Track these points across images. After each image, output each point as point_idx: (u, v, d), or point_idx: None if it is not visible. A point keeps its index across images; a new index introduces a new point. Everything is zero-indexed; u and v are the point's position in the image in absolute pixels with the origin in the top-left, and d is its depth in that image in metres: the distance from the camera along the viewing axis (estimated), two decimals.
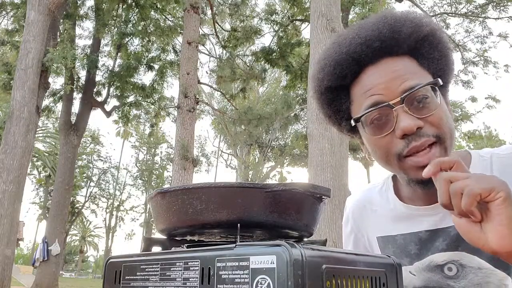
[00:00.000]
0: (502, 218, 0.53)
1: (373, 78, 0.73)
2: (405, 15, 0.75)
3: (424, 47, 0.74)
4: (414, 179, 0.71)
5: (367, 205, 0.91)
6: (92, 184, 33.10)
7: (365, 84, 0.74)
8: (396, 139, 0.70)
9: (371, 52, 0.73)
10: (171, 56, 14.27)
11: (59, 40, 12.07)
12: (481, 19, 12.20)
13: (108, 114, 14.33)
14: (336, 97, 0.79)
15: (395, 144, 0.70)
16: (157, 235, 0.64)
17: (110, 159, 33.78)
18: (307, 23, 11.81)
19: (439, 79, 0.72)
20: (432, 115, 0.70)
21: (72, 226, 35.49)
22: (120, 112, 14.45)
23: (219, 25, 13.31)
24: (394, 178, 0.89)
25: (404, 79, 0.71)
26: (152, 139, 31.65)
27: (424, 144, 0.69)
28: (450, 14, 12.51)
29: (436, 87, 0.71)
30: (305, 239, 0.61)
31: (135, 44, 14.23)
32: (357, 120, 0.74)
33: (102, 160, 32.67)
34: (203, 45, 13.64)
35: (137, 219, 36.98)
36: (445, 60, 0.76)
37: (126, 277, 0.56)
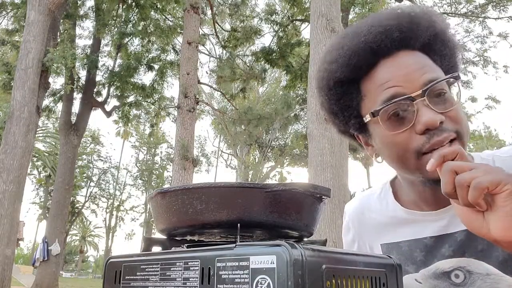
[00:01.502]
0: (507, 210, 0.53)
1: (390, 70, 0.70)
2: (422, 9, 0.74)
3: (437, 44, 0.73)
4: (432, 178, 0.67)
5: (365, 212, 0.89)
6: (92, 184, 33.15)
7: (381, 76, 0.70)
8: (416, 134, 0.67)
9: (389, 42, 0.70)
10: (171, 56, 14.29)
11: (59, 40, 12.07)
12: (481, 19, 12.20)
13: (108, 114, 14.34)
14: (346, 92, 0.75)
15: (415, 140, 0.67)
16: (157, 235, 0.64)
17: (110, 159, 33.84)
18: (307, 23, 11.81)
19: (459, 73, 0.70)
20: (451, 110, 0.67)
21: (72, 226, 35.51)
22: (120, 112, 14.46)
23: (219, 25, 13.31)
24: (392, 183, 0.87)
25: (424, 71, 0.68)
26: (152, 139, 31.67)
27: (446, 139, 0.65)
28: (450, 14, 12.51)
29: (457, 82, 0.70)
30: (305, 239, 0.61)
31: (135, 44, 14.25)
32: (374, 114, 0.69)
33: (102, 160, 32.73)
34: (203, 45, 13.65)
35: (137, 219, 37.02)
36: (454, 58, 0.75)
37: (126, 277, 0.56)
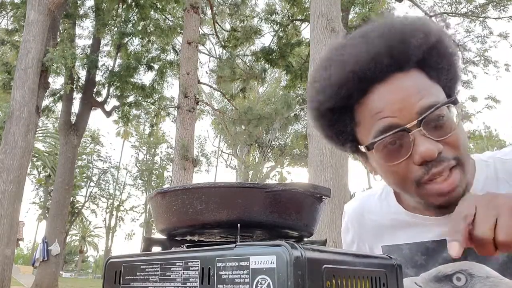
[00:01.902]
0: None
1: (383, 98, 0.66)
2: (413, 23, 0.68)
3: (433, 57, 0.68)
4: (434, 205, 0.67)
5: (365, 213, 0.88)
6: (92, 184, 33.14)
7: (374, 105, 0.66)
8: (413, 165, 0.65)
9: (380, 69, 0.65)
10: (171, 56, 14.29)
11: (59, 40, 12.07)
12: (481, 18, 12.21)
13: (108, 114, 14.33)
14: (339, 119, 0.71)
15: (413, 170, 0.65)
16: (157, 235, 0.64)
17: (110, 159, 33.83)
18: (307, 23, 11.81)
19: (456, 97, 0.67)
20: (450, 137, 0.64)
21: (72, 226, 35.52)
22: (120, 112, 14.46)
23: (219, 25, 13.31)
24: None
25: (419, 97, 0.64)
26: (152, 139, 31.67)
27: (445, 169, 0.64)
28: (450, 14, 12.51)
29: (453, 105, 0.66)
30: (305, 239, 0.61)
31: (135, 44, 14.25)
32: (369, 148, 0.67)
33: (102, 160, 32.72)
34: (203, 45, 13.66)
35: (137, 219, 37.02)
36: (453, 69, 0.71)
37: (126, 277, 0.56)
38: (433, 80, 0.68)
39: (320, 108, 0.72)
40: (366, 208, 0.88)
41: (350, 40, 0.71)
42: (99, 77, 14.05)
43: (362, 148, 0.70)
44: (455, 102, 0.66)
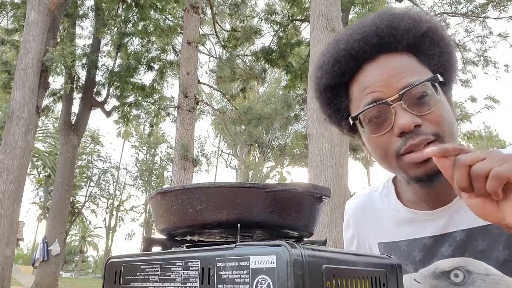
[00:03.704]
0: None
1: (371, 75, 0.72)
2: (404, 12, 0.74)
3: (424, 44, 0.73)
4: (413, 177, 0.70)
5: (367, 209, 0.89)
6: (92, 184, 33.13)
7: (363, 81, 0.73)
8: (394, 137, 0.69)
9: (369, 48, 0.72)
10: (171, 56, 14.29)
11: (58, 40, 12.07)
12: (481, 18, 12.20)
13: (108, 114, 14.33)
14: (335, 96, 0.78)
15: (393, 142, 0.69)
16: (157, 235, 0.64)
17: (110, 159, 33.82)
18: (307, 23, 11.81)
19: (438, 75, 0.70)
20: (431, 113, 0.68)
21: (72, 226, 35.52)
22: (120, 112, 14.46)
23: (219, 25, 13.31)
24: (394, 181, 0.87)
25: (403, 76, 0.69)
26: (152, 139, 31.66)
27: (421, 143, 0.67)
28: (450, 14, 12.51)
29: (436, 84, 0.70)
30: (305, 239, 0.61)
31: (135, 44, 14.25)
32: (355, 118, 0.73)
33: (102, 160, 32.70)
34: (203, 45, 13.65)
35: (137, 219, 37.02)
36: (446, 57, 0.75)
37: (126, 277, 0.56)
38: (423, 65, 0.73)
39: (319, 84, 0.79)
40: (367, 204, 0.90)
41: (347, 27, 0.79)
42: (99, 77, 14.07)
43: (350, 120, 0.75)
44: (435, 80, 0.70)
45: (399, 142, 0.69)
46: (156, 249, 0.63)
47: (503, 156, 0.53)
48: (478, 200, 0.55)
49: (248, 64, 13.00)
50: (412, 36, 0.72)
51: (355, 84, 0.75)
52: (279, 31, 12.35)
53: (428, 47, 0.73)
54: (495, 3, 11.56)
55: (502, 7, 11.47)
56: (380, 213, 0.86)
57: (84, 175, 30.89)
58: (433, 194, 0.75)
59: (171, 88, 28.79)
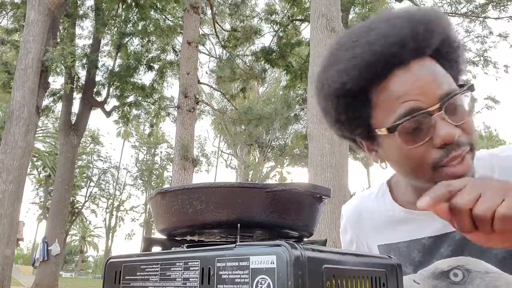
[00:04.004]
0: None
1: (405, 82, 0.67)
2: (435, 14, 0.71)
3: (445, 48, 0.71)
4: None
5: (363, 212, 0.89)
6: (92, 184, 33.13)
7: (397, 89, 0.67)
8: (433, 148, 0.66)
9: (405, 53, 0.67)
10: (171, 56, 14.30)
11: (58, 39, 12.07)
12: (481, 18, 12.21)
13: (108, 114, 14.33)
14: (354, 102, 0.71)
15: (432, 153, 0.66)
16: (157, 235, 0.64)
17: (110, 159, 33.83)
18: (307, 23, 11.81)
19: (473, 83, 0.69)
20: (465, 123, 0.66)
21: (72, 226, 35.52)
22: (120, 112, 14.46)
23: (219, 25, 13.31)
24: (389, 183, 0.87)
25: (439, 83, 0.66)
26: (152, 139, 31.67)
27: (462, 154, 0.65)
28: (450, 14, 12.50)
29: (470, 92, 0.68)
30: (305, 239, 0.61)
31: (135, 44, 14.25)
32: (391, 130, 0.67)
33: (102, 160, 32.71)
34: (203, 45, 13.64)
35: (137, 219, 37.02)
36: (461, 60, 0.73)
37: (126, 277, 0.56)
38: (445, 69, 0.71)
39: (339, 89, 0.71)
40: (363, 208, 0.89)
41: (374, 24, 0.72)
42: (99, 77, 14.07)
43: (382, 131, 0.69)
44: (472, 89, 0.68)
45: (439, 154, 0.66)
46: (156, 249, 0.63)
47: (497, 188, 0.51)
48: (483, 234, 0.53)
49: (248, 64, 13.01)
50: (439, 41, 0.69)
51: (382, 90, 0.69)
52: (279, 31, 12.35)
53: (448, 51, 0.71)
54: (495, 3, 11.56)
55: (502, 7, 11.47)
56: (376, 215, 0.85)
57: (84, 175, 30.90)
58: None
59: (171, 88, 28.78)
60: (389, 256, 0.55)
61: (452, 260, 0.74)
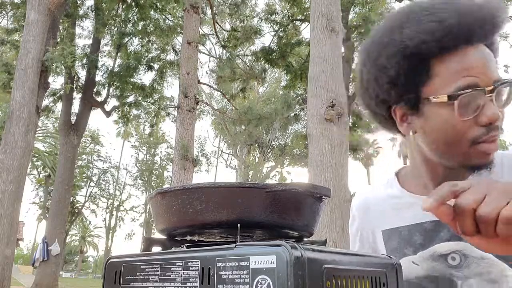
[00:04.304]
0: None
1: (471, 59, 0.72)
2: (501, 3, 0.75)
3: (494, 36, 0.77)
4: (477, 165, 0.73)
5: (370, 202, 0.92)
6: (92, 184, 33.13)
7: (461, 62, 0.72)
8: (476, 125, 0.71)
9: (478, 33, 0.72)
10: (171, 56, 14.30)
11: (58, 39, 12.07)
12: None
13: (108, 114, 14.34)
14: (419, 65, 0.73)
15: (475, 129, 0.71)
16: (157, 235, 0.64)
17: (110, 159, 33.81)
18: (307, 23, 11.81)
19: None
20: (503, 109, 0.72)
21: (72, 226, 35.52)
22: (120, 112, 14.46)
23: (219, 25, 13.31)
24: (397, 174, 0.91)
25: (494, 68, 0.73)
26: (152, 139, 31.67)
27: (498, 135, 0.72)
28: None
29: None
30: (305, 239, 0.61)
31: (135, 44, 14.25)
32: (451, 98, 0.70)
33: (102, 160, 32.70)
34: (203, 45, 13.64)
35: (137, 219, 37.03)
36: (498, 52, 0.79)
37: (126, 277, 0.56)
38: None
39: (414, 49, 0.72)
40: (371, 197, 0.93)
41: None
42: (99, 77, 14.07)
43: (441, 98, 0.72)
44: None
45: (481, 131, 0.70)
46: (156, 249, 0.63)
47: (503, 190, 0.51)
48: (484, 239, 0.52)
49: (248, 64, 13.01)
50: (498, 29, 0.75)
51: (446, 61, 0.72)
52: (279, 31, 12.35)
53: (495, 39, 0.77)
54: None
55: None
56: (384, 202, 0.89)
57: (84, 175, 30.89)
58: (453, 178, 0.73)
59: (171, 88, 28.80)
60: (389, 256, 0.55)
61: (451, 244, 0.77)
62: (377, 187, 0.94)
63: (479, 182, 0.54)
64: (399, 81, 0.75)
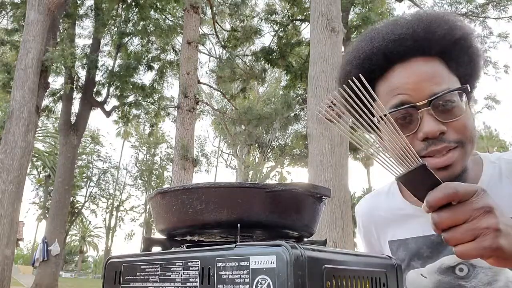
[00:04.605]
0: None
1: (401, 77, 0.73)
2: (441, 17, 0.75)
3: (455, 51, 0.74)
4: (441, 178, 0.71)
5: (374, 211, 0.92)
6: (92, 184, 33.11)
7: (392, 82, 0.74)
8: (417, 140, 0.71)
9: (403, 50, 0.73)
10: (171, 56, 14.28)
11: (58, 39, 12.07)
12: (481, 18, 12.20)
13: (108, 114, 14.33)
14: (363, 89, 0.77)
15: (415, 145, 0.70)
16: (157, 235, 0.64)
17: (110, 159, 33.79)
18: (307, 23, 11.81)
19: (468, 85, 0.72)
20: (456, 121, 0.70)
21: (72, 226, 35.50)
22: (120, 112, 14.45)
23: (219, 25, 13.31)
24: (398, 181, 0.90)
25: (433, 82, 0.71)
26: (152, 139, 31.65)
27: (443, 150, 0.69)
28: None
29: (464, 93, 0.71)
30: (305, 239, 0.61)
31: (135, 43, 14.24)
32: (381, 118, 0.72)
33: (102, 160, 32.68)
34: (203, 45, 13.64)
35: (137, 219, 37.00)
36: (473, 65, 0.76)
37: (126, 277, 0.56)
38: (451, 71, 0.74)
39: (346, 78, 0.77)
40: (373, 206, 0.93)
41: (382, 25, 0.79)
42: (99, 77, 14.06)
43: (374, 119, 0.74)
44: (465, 90, 0.71)
45: (420, 146, 0.70)
46: (156, 249, 0.63)
47: (491, 222, 0.50)
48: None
49: (248, 64, 13.00)
50: (446, 43, 0.73)
51: (382, 82, 0.76)
52: (279, 31, 12.35)
53: (458, 54, 0.75)
54: (495, 3, 11.55)
55: (502, 7, 11.47)
56: (387, 212, 0.88)
57: (84, 175, 30.88)
58: None
59: (171, 88, 28.85)
60: (389, 257, 0.55)
61: None
62: (379, 195, 0.93)
63: (483, 196, 0.53)
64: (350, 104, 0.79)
